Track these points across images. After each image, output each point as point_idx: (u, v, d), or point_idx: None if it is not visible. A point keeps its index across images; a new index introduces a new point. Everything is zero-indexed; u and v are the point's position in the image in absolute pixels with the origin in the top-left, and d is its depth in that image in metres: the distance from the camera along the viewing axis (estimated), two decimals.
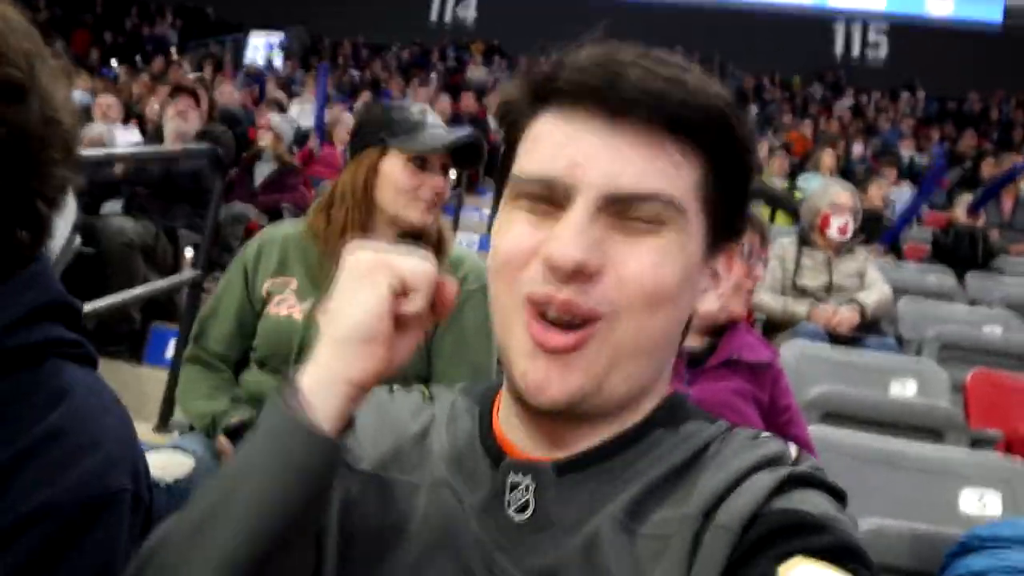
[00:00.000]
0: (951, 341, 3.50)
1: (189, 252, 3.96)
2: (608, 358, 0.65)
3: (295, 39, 15.96)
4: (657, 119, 0.64)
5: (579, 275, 0.62)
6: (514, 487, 0.68)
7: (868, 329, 3.63)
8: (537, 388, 0.64)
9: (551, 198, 0.65)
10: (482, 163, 1.89)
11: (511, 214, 0.68)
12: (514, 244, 0.66)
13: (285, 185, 5.03)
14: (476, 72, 14.24)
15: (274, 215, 4.74)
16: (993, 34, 15.75)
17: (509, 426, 0.72)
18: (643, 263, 0.64)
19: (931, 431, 2.55)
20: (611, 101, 0.64)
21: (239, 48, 15.30)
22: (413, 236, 1.77)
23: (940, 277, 4.75)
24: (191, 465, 1.64)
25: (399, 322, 0.63)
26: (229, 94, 8.03)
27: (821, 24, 16.80)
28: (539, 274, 0.64)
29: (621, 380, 0.66)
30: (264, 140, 5.21)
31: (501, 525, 0.67)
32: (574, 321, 0.64)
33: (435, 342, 1.74)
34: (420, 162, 1.74)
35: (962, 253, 5.27)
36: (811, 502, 0.60)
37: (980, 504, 1.92)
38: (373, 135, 1.77)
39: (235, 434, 1.63)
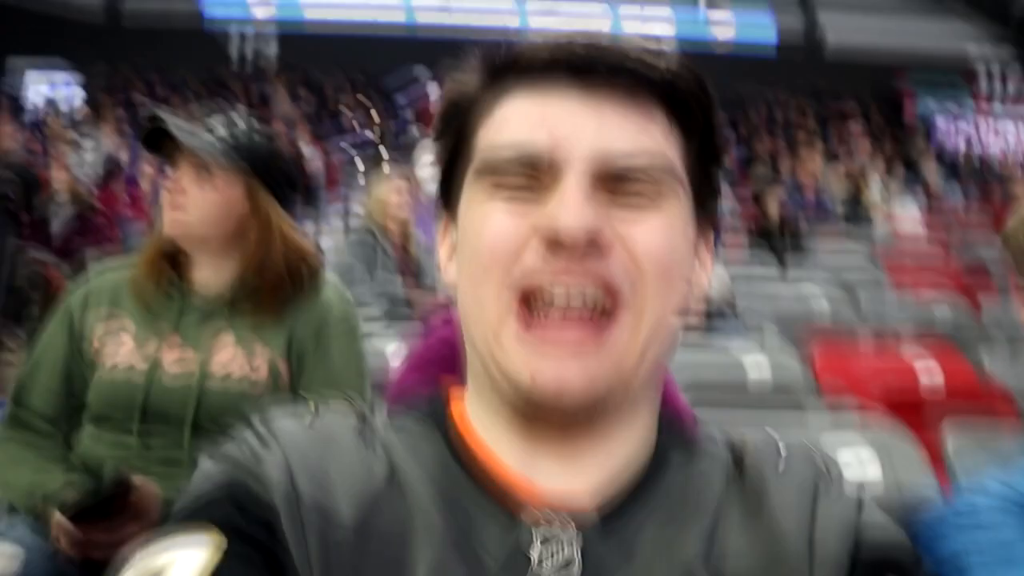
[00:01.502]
0: (788, 319, 3.70)
1: None
2: (633, 346, 0.57)
3: (97, 77, 14.77)
4: (643, 86, 0.58)
5: (592, 249, 0.55)
6: (547, 540, 0.55)
7: (712, 318, 3.76)
8: (557, 389, 0.55)
9: (533, 181, 0.57)
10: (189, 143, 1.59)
11: (485, 206, 0.58)
12: (500, 233, 0.57)
13: (87, 229, 4.56)
14: (283, 105, 13.93)
15: (76, 262, 4.26)
16: (768, 53, 17.34)
17: (502, 452, 0.60)
18: (654, 239, 0.57)
19: (792, 406, 2.65)
20: (593, 70, 0.57)
21: (15, 88, 13.94)
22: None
23: (764, 264, 5.06)
24: (18, 556, 1.36)
25: None
26: (11, 136, 7.23)
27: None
28: (538, 259, 0.55)
29: (645, 369, 0.59)
30: (59, 182, 4.70)
31: None
32: (590, 302, 0.56)
33: (300, 382, 1.56)
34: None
35: (775, 242, 5.71)
36: (888, 528, 0.60)
37: (861, 469, 1.98)
38: None
39: (75, 513, 1.35)
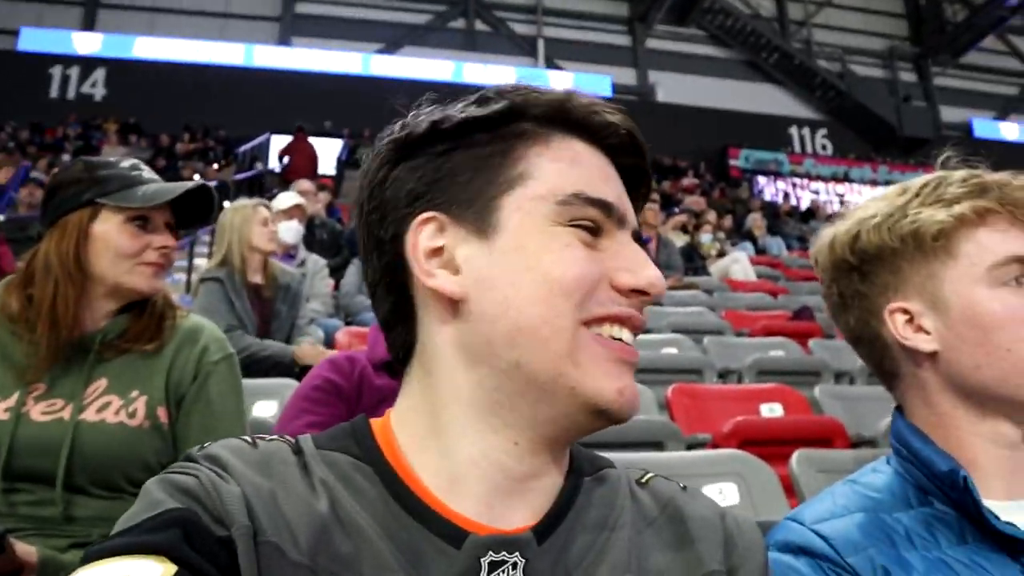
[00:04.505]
0: (643, 364, 3.91)
1: None
2: None
3: None
4: (642, 171, 0.72)
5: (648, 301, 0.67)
6: (495, 566, 0.59)
7: None
8: (632, 404, 0.64)
9: (597, 224, 0.66)
10: (212, 217, 1.71)
11: (562, 237, 0.64)
12: (583, 270, 0.64)
13: None
14: (113, 151, 13.20)
15: None
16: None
17: (456, 485, 0.63)
18: None
19: (653, 443, 2.80)
20: (627, 149, 0.70)
21: None
22: (138, 305, 1.57)
23: None
24: None
25: None
26: None
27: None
28: (608, 297, 0.65)
29: None
30: None
31: None
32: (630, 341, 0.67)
33: (180, 423, 1.52)
34: (141, 221, 1.54)
35: None
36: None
37: (721, 497, 2.13)
38: (77, 196, 1.52)
39: None
